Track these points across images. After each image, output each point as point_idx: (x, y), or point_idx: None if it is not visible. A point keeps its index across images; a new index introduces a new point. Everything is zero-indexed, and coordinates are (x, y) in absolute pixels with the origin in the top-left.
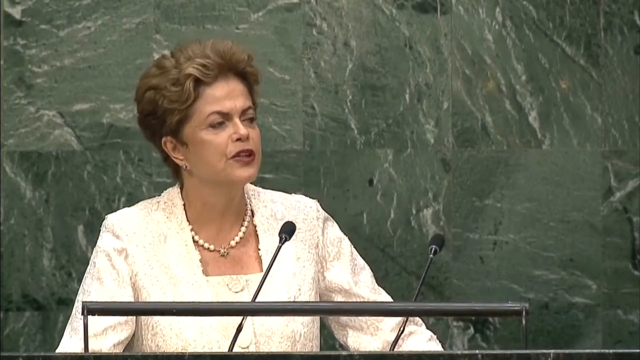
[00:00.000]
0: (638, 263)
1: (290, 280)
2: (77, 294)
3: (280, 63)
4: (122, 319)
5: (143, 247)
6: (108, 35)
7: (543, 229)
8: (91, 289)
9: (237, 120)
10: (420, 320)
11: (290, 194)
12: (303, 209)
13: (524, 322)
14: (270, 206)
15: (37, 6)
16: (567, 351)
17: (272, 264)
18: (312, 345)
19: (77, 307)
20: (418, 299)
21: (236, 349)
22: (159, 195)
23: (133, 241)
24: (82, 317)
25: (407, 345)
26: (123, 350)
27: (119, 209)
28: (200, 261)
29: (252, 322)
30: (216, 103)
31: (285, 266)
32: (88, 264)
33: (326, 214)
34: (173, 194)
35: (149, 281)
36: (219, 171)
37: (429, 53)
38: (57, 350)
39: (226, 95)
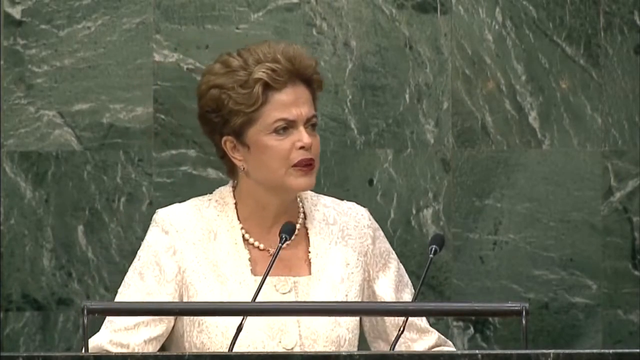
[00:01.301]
0: (638, 263)
1: (338, 285)
2: (77, 294)
3: None
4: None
5: (192, 243)
6: (108, 35)
7: (543, 229)
8: (131, 282)
9: (302, 128)
10: (450, 342)
11: (342, 200)
12: (355, 215)
13: (524, 322)
14: (323, 210)
15: (37, 6)
16: (567, 351)
17: (272, 264)
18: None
19: (118, 297)
20: (418, 299)
21: (280, 351)
22: (211, 193)
23: (182, 237)
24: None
25: None
26: (162, 348)
27: (118, 209)
28: (249, 260)
29: (298, 324)
30: (283, 110)
31: (334, 271)
32: (88, 264)
33: (376, 224)
34: (225, 192)
35: (196, 278)
36: (278, 177)
37: (429, 53)
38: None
39: (293, 102)
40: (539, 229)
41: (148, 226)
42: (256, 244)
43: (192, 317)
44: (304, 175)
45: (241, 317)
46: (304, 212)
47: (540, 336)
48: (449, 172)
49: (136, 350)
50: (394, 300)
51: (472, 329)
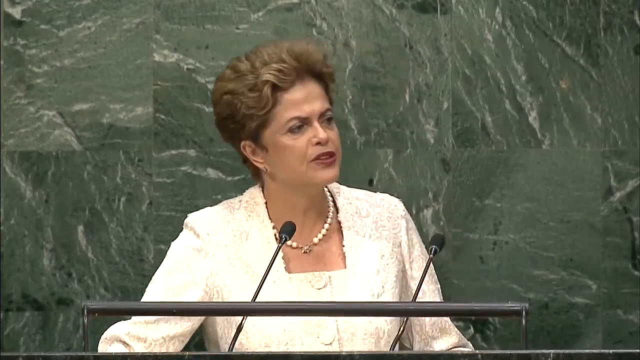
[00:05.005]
0: (638, 263)
1: (374, 277)
2: (77, 294)
3: None
4: None
5: (224, 245)
6: (108, 35)
7: (543, 229)
8: (158, 281)
9: (316, 123)
10: (470, 344)
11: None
12: (388, 207)
13: (524, 322)
14: (355, 203)
15: (37, 6)
16: (567, 351)
17: (271, 265)
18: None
19: (145, 295)
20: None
21: (319, 346)
22: (242, 194)
23: (214, 240)
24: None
25: None
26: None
27: (119, 209)
28: (283, 258)
29: (336, 319)
30: (295, 108)
31: (369, 263)
32: (88, 264)
33: (409, 216)
34: (255, 192)
35: (230, 279)
36: (300, 174)
37: (429, 53)
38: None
39: (304, 99)
40: (539, 229)
41: (148, 226)
42: (289, 242)
43: (228, 319)
44: (326, 168)
45: (283, 317)
46: (335, 207)
47: (540, 336)
48: (449, 172)
49: (153, 346)
50: (426, 292)
51: (472, 329)
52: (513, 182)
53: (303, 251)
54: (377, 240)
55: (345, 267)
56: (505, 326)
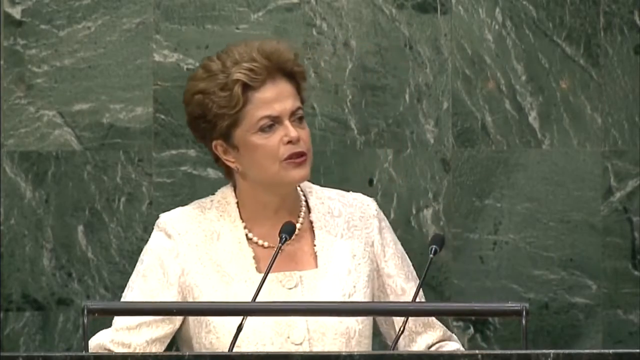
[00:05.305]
0: (638, 263)
1: (345, 277)
2: (77, 294)
3: None
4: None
5: (195, 245)
6: (108, 35)
7: (543, 229)
8: (135, 286)
9: (287, 122)
10: (455, 336)
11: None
12: (360, 206)
13: (524, 322)
14: (328, 203)
15: (37, 6)
16: (567, 351)
17: (271, 265)
18: (368, 343)
19: (123, 300)
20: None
21: (289, 346)
22: (213, 194)
23: (185, 240)
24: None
25: None
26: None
27: (119, 209)
28: (254, 258)
29: (306, 319)
30: (266, 107)
31: (341, 263)
32: (88, 264)
33: (383, 215)
34: (227, 192)
35: (200, 279)
36: (272, 174)
37: (429, 53)
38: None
39: (275, 98)
40: (539, 229)
41: (148, 226)
42: (260, 242)
43: (199, 319)
44: (297, 167)
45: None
46: (307, 206)
47: (540, 336)
48: (449, 172)
49: (137, 351)
50: (405, 290)
51: (472, 329)
52: (513, 182)
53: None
54: (349, 240)
55: (317, 267)
56: (505, 326)
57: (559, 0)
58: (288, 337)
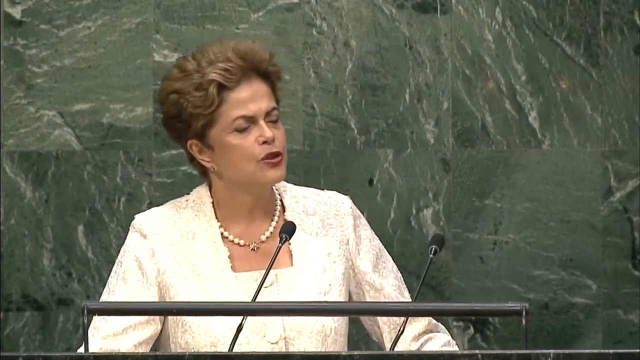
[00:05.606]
0: (638, 263)
1: (321, 275)
2: (77, 294)
3: (280, 63)
4: (144, 318)
5: (170, 245)
6: (108, 35)
7: (543, 229)
8: (115, 289)
9: (262, 122)
10: (441, 326)
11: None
12: (335, 204)
13: (524, 322)
14: (302, 202)
15: (37, 6)
16: (567, 351)
17: (271, 265)
18: (343, 341)
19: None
20: (418, 299)
21: (265, 345)
22: (189, 193)
23: (160, 240)
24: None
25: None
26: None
27: (119, 209)
28: (229, 257)
29: (282, 318)
30: (241, 107)
31: (316, 262)
32: (88, 264)
33: (359, 212)
34: (202, 192)
35: (176, 279)
36: (248, 174)
37: (429, 53)
38: (78, 350)
39: (250, 98)
40: (539, 229)
41: None
42: (236, 240)
43: (176, 318)
44: (273, 167)
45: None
46: (282, 205)
47: (540, 336)
48: (449, 172)
49: None
50: (383, 285)
51: (472, 329)
52: (513, 182)
53: (251, 249)
54: (324, 238)
55: (292, 265)
56: (505, 326)
57: (559, 0)
58: (264, 336)
